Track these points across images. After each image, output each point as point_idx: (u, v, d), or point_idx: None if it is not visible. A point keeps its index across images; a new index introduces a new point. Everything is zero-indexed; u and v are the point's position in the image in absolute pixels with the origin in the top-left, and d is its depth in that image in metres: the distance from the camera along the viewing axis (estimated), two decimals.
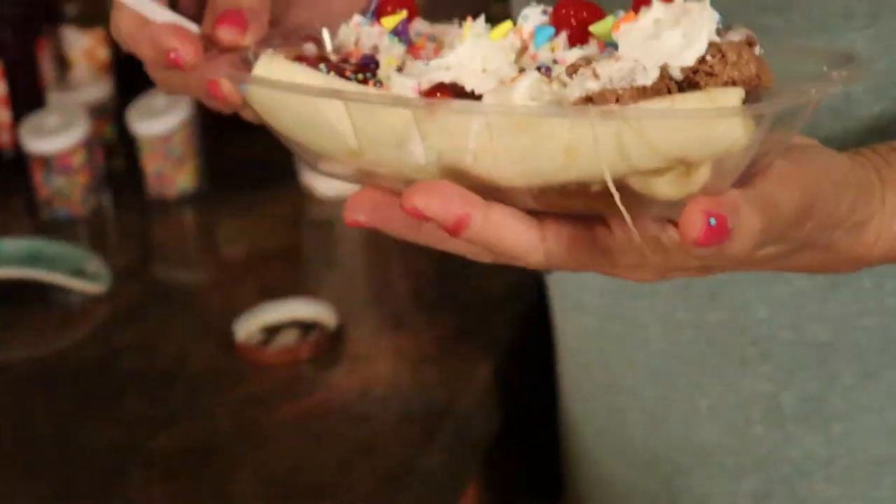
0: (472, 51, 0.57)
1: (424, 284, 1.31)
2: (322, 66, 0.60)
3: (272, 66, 0.59)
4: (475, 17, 0.61)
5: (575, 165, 0.53)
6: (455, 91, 0.56)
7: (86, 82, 1.42)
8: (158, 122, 1.32)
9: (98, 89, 1.41)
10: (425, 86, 0.57)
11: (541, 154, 0.54)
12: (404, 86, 0.56)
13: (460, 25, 0.60)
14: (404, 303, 1.29)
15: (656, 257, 0.57)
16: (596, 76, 0.53)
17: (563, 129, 0.53)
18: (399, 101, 0.56)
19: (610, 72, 0.53)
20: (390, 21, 0.61)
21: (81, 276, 1.23)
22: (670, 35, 0.52)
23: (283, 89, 0.59)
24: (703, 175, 0.52)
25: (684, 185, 0.53)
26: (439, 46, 0.62)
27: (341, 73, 0.59)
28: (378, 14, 0.62)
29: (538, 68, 0.55)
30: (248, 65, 0.62)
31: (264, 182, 1.41)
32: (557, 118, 0.53)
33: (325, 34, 0.64)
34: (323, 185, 1.35)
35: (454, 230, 0.54)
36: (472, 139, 0.55)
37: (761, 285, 0.88)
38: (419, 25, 0.63)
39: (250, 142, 1.35)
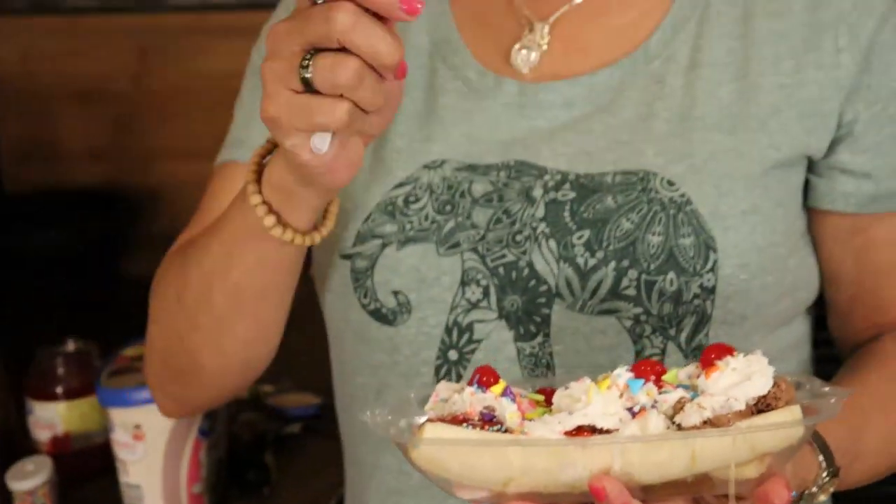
0: (599, 399, 0.82)
1: None
2: (465, 424, 0.82)
3: (439, 430, 0.81)
4: None
5: (696, 466, 0.80)
6: (592, 430, 0.81)
7: None
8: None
9: None
10: (568, 428, 0.80)
11: (673, 461, 0.80)
12: (551, 430, 0.81)
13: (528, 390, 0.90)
14: None
15: None
16: (702, 408, 0.80)
17: (689, 444, 0.81)
18: (567, 442, 0.81)
19: (712, 404, 0.81)
20: (497, 388, 0.84)
21: None
22: (753, 379, 0.83)
23: (472, 444, 0.83)
24: (768, 461, 0.83)
25: (760, 467, 0.82)
26: (534, 401, 0.88)
27: (480, 427, 0.82)
28: (482, 384, 0.85)
29: (651, 405, 0.82)
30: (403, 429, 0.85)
31: None
32: (701, 439, 0.80)
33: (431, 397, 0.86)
34: None
35: None
36: (617, 460, 0.81)
37: None
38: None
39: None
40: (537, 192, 1.16)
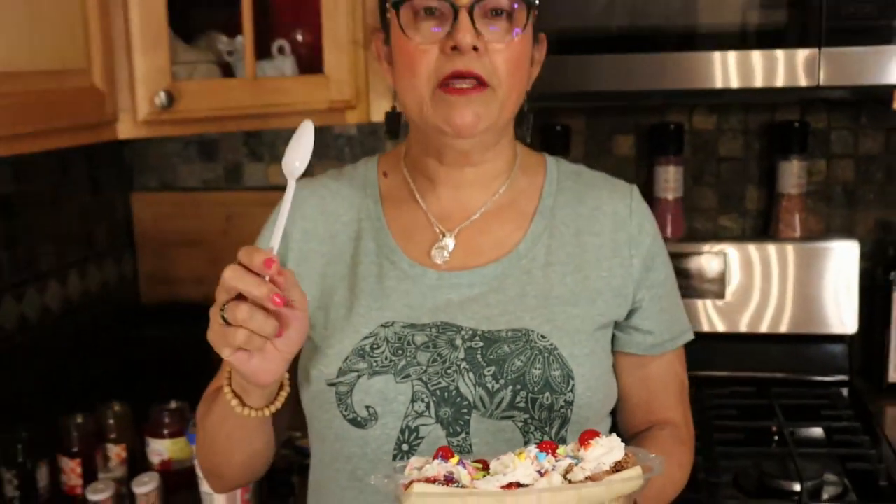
0: (521, 467, 1.02)
1: None
2: (436, 483, 1.00)
3: (423, 487, 1.00)
4: None
5: None
6: (518, 484, 1.00)
7: None
8: None
9: None
10: (503, 483, 1.00)
11: (568, 501, 0.99)
12: (493, 485, 1.00)
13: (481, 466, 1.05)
14: None
15: None
16: (584, 469, 1.01)
17: (578, 491, 0.99)
18: (504, 493, 0.99)
19: (591, 467, 1.02)
20: (454, 460, 1.03)
21: None
22: (611, 451, 1.03)
23: (443, 495, 0.99)
24: (622, 500, 1.03)
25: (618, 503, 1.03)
26: (478, 466, 1.05)
27: (446, 484, 1.00)
28: (444, 458, 1.03)
29: (552, 469, 1.01)
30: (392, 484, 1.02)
31: None
32: (586, 488, 0.99)
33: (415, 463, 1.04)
34: None
35: None
36: (535, 501, 0.98)
37: None
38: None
39: None
40: (458, 342, 1.27)
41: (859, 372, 2.40)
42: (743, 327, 2.37)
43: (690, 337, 1.41)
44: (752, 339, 2.37)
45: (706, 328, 2.37)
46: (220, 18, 1.98)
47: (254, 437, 1.27)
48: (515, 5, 1.24)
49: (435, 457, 1.04)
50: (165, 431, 1.88)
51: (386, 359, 1.24)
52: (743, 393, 2.30)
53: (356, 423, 1.25)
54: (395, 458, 1.25)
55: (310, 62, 2.02)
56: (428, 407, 1.25)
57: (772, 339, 2.36)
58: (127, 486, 1.80)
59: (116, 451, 1.89)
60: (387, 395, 1.22)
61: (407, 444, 1.25)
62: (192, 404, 1.71)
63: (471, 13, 1.21)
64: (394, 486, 1.01)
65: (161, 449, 1.88)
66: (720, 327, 2.37)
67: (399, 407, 1.25)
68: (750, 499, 1.83)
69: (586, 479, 1.02)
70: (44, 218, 2.27)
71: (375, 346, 1.25)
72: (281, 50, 2.01)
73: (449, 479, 1.02)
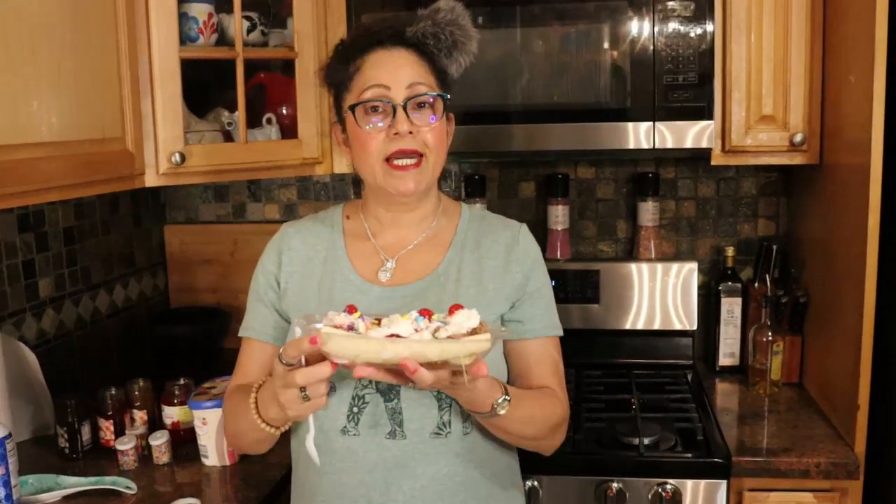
0: (403, 324, 1.04)
1: None
2: (340, 329, 1.02)
3: (331, 331, 1.01)
4: None
5: (443, 356, 1.03)
6: (397, 336, 1.03)
7: None
8: None
9: None
10: (388, 333, 1.03)
11: (434, 352, 1.02)
12: (380, 334, 1.03)
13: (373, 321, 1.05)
14: None
15: (460, 384, 1.07)
16: (447, 330, 1.04)
17: (441, 345, 1.02)
18: (393, 342, 1.01)
19: (455, 329, 1.05)
20: (356, 314, 1.07)
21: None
22: (469, 318, 1.06)
23: (343, 336, 1.00)
24: (476, 358, 1.04)
25: (471, 359, 1.05)
26: (375, 321, 1.06)
27: (347, 330, 1.02)
28: (349, 311, 1.07)
29: (425, 328, 1.04)
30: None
31: None
32: (446, 343, 1.02)
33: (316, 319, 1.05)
34: None
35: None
36: (408, 350, 1.01)
37: None
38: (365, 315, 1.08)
39: None
40: None
41: (699, 358, 2.47)
42: (613, 325, 2.41)
43: (559, 332, 1.40)
44: (620, 334, 2.41)
45: (584, 326, 2.41)
46: (226, 98, 2.02)
47: (272, 439, 1.32)
48: (431, 99, 1.30)
49: (344, 311, 1.07)
50: (175, 401, 1.89)
51: None
52: (610, 374, 2.35)
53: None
54: (348, 417, 1.29)
55: (290, 129, 2.04)
56: (370, 381, 1.28)
57: (634, 333, 2.41)
58: (146, 440, 1.83)
59: (140, 415, 1.90)
60: (342, 373, 1.20)
61: (357, 406, 1.29)
62: (197, 380, 1.91)
63: (405, 108, 1.28)
64: (311, 327, 1.04)
65: (172, 413, 1.89)
66: (595, 325, 2.41)
67: (350, 381, 1.29)
68: (604, 449, 1.90)
69: (449, 337, 1.05)
70: (97, 244, 2.31)
71: None
72: (269, 121, 2.03)
73: (350, 328, 1.05)
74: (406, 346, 1.02)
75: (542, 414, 1.32)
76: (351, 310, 1.07)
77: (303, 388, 1.09)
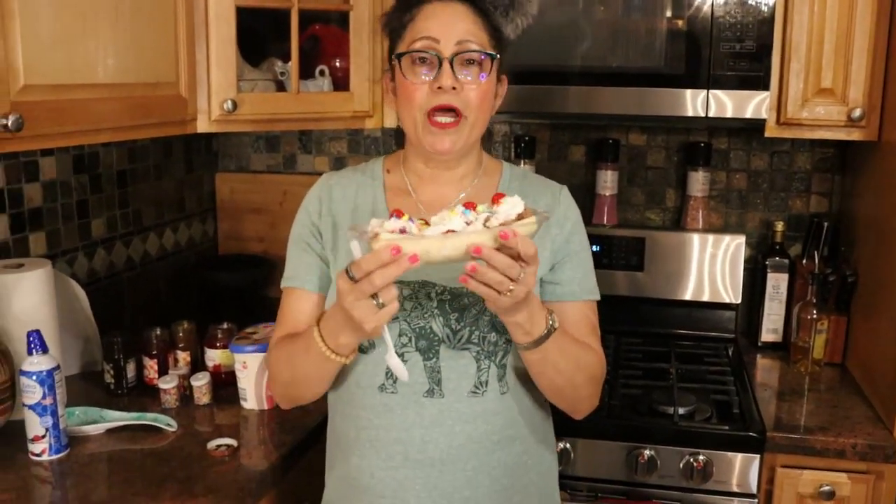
0: (455, 219, 1.06)
1: None
2: (397, 233, 1.03)
3: (390, 235, 1.03)
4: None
5: (497, 242, 1.04)
6: (452, 231, 1.04)
7: None
8: None
9: None
10: (443, 231, 1.04)
11: (488, 240, 1.04)
12: (437, 231, 1.04)
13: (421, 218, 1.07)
14: None
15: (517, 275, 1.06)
16: (497, 217, 1.06)
17: (494, 232, 1.04)
18: (451, 237, 1.03)
19: (503, 217, 1.06)
20: (405, 218, 1.07)
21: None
22: (514, 205, 1.07)
23: (413, 240, 1.02)
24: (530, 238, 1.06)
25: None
26: (423, 222, 1.07)
27: (400, 233, 1.03)
28: (398, 216, 1.07)
29: (476, 220, 1.06)
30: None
31: None
32: (498, 230, 1.04)
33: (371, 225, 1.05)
34: None
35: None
36: (465, 242, 1.03)
37: None
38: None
39: None
40: (433, 295, 1.29)
41: (742, 333, 2.45)
42: (656, 294, 2.40)
43: (597, 297, 1.40)
44: (663, 303, 2.40)
45: (628, 293, 2.40)
46: (281, 49, 2.03)
47: (332, 374, 1.29)
48: (483, 56, 1.28)
49: (390, 216, 1.08)
50: (218, 344, 1.90)
51: None
52: (650, 343, 2.34)
53: (361, 349, 1.30)
54: (386, 375, 1.29)
55: (342, 82, 2.05)
56: (410, 340, 1.28)
57: (677, 304, 2.40)
58: (188, 381, 1.85)
59: (183, 356, 1.92)
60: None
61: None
62: (239, 325, 1.93)
63: (451, 62, 1.27)
64: (366, 236, 1.05)
65: (214, 356, 1.90)
66: (639, 293, 2.40)
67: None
68: (638, 416, 1.90)
69: (500, 224, 1.07)
70: (149, 188, 2.34)
71: None
72: (322, 73, 2.04)
73: (402, 231, 1.06)
74: (465, 238, 1.03)
75: (585, 357, 1.31)
76: (399, 213, 1.07)
77: (374, 296, 1.07)
